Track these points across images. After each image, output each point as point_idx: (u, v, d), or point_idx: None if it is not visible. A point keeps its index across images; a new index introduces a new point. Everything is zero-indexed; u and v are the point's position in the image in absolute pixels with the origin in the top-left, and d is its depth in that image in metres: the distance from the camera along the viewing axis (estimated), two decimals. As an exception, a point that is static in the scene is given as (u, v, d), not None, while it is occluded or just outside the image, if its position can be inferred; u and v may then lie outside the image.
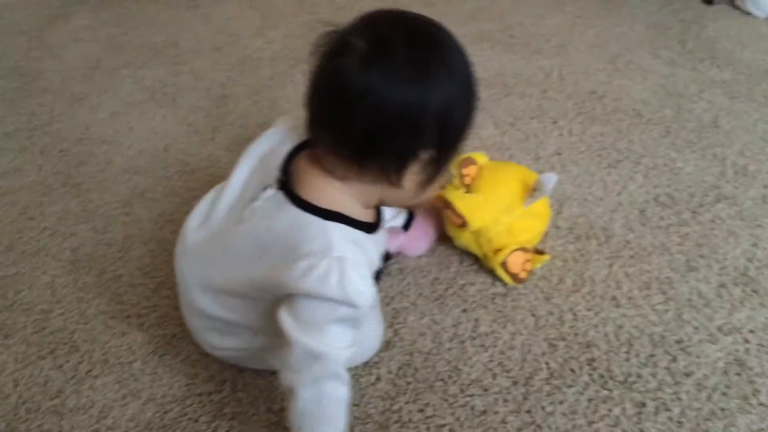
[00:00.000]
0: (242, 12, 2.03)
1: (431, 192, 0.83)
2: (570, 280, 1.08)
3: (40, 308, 1.10)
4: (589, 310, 1.03)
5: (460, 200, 1.04)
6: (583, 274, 1.09)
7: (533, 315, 1.03)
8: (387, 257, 1.09)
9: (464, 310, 1.04)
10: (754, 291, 1.04)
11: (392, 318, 1.04)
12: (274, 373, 0.96)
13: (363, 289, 0.74)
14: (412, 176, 0.77)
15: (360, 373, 0.96)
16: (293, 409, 0.78)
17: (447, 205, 1.05)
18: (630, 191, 1.26)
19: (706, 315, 1.01)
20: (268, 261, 0.77)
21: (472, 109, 0.79)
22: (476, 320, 1.03)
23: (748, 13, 1.82)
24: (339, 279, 0.72)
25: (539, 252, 1.11)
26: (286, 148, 0.83)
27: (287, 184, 0.79)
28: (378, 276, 0.85)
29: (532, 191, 1.05)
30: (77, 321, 1.07)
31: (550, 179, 1.04)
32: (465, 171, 1.10)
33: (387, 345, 1.00)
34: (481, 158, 1.14)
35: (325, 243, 0.74)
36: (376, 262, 0.83)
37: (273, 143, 0.86)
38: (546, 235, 1.17)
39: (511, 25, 1.88)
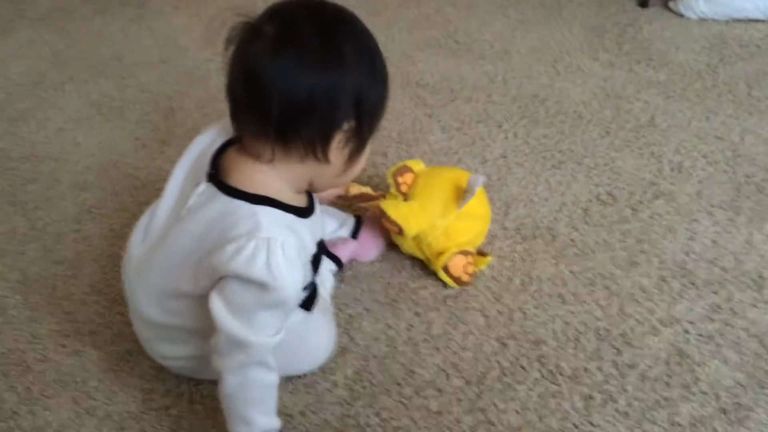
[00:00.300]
0: (188, 23, 2.03)
1: (358, 169, 0.85)
2: (518, 279, 1.12)
3: (-10, 330, 1.08)
4: (537, 308, 1.07)
5: (393, 209, 1.07)
6: (530, 273, 1.13)
7: (484, 315, 1.06)
8: (339, 266, 1.11)
9: (417, 314, 1.07)
10: (692, 283, 1.09)
11: (347, 324, 1.06)
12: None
13: (289, 271, 0.76)
14: (336, 151, 0.79)
15: (316, 380, 0.98)
16: (221, 392, 0.81)
17: (382, 214, 1.08)
18: (573, 191, 1.30)
19: (647, 308, 1.06)
20: (203, 249, 0.79)
21: (384, 81, 0.82)
22: (429, 323, 1.05)
23: (681, 15, 1.89)
24: (266, 260, 0.74)
25: (482, 254, 1.14)
26: (216, 145, 0.85)
27: (217, 176, 0.81)
28: (316, 263, 0.87)
29: (464, 193, 1.08)
30: (29, 341, 1.06)
31: (477, 181, 1.06)
32: (401, 179, 1.13)
33: (342, 351, 1.02)
34: (417, 165, 1.17)
35: (253, 225, 0.76)
36: (310, 248, 0.84)
37: (204, 145, 0.88)
38: (493, 236, 1.20)
39: (455, 31, 1.92)
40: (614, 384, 0.95)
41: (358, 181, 1.20)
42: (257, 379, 0.81)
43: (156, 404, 0.95)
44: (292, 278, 0.76)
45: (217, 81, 1.71)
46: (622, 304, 1.06)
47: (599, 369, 0.97)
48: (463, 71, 1.72)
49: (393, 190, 1.13)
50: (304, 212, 0.84)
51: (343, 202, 1.20)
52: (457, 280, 1.08)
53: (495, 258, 1.16)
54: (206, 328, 0.81)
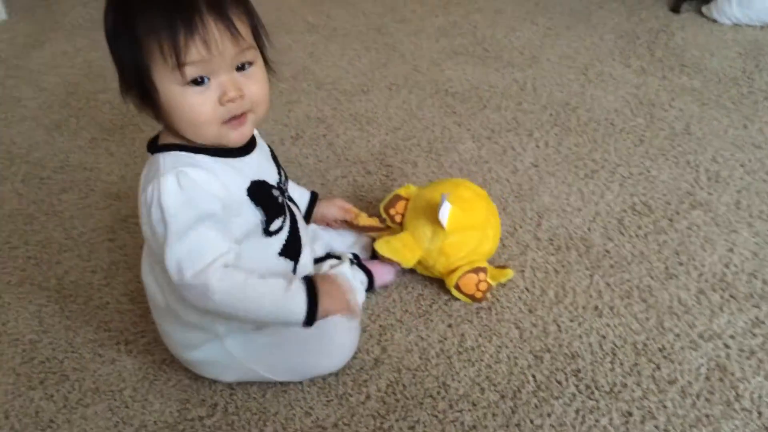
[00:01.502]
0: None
1: (180, 116, 0.80)
2: (552, 291, 1.11)
3: (29, 338, 1.09)
4: (572, 321, 1.05)
5: (385, 247, 1.07)
6: (565, 285, 1.11)
7: (518, 328, 1.05)
8: (370, 283, 1.11)
9: (449, 325, 1.06)
10: (732, 296, 1.07)
11: (379, 335, 1.05)
12: (264, 395, 0.97)
13: (180, 196, 0.78)
14: (132, 105, 0.82)
15: (349, 392, 0.97)
16: (234, 311, 0.83)
17: (378, 255, 1.08)
18: (607, 201, 1.28)
19: (687, 322, 1.04)
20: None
21: (123, 32, 0.78)
22: (462, 335, 1.04)
23: (714, 21, 1.86)
24: (154, 190, 0.79)
25: (501, 267, 1.12)
26: None
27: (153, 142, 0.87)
28: (267, 200, 0.88)
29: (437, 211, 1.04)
30: (66, 350, 1.07)
31: (443, 211, 1.02)
32: (393, 211, 1.13)
33: (375, 363, 1.01)
34: (409, 190, 1.16)
35: (155, 170, 0.81)
36: (235, 181, 0.85)
37: None
38: (526, 246, 1.19)
39: (483, 38, 1.91)
40: (653, 400, 0.93)
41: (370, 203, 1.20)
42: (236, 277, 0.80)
43: (191, 414, 0.96)
44: (184, 202, 0.79)
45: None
46: (661, 318, 1.04)
47: (637, 384, 0.95)
48: (492, 79, 1.71)
49: (388, 222, 1.14)
50: (222, 152, 0.85)
51: (356, 231, 1.17)
52: (471, 297, 1.07)
53: (528, 269, 1.15)
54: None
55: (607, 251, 1.17)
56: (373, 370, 1.00)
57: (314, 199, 1.11)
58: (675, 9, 1.93)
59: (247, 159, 0.88)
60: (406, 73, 1.78)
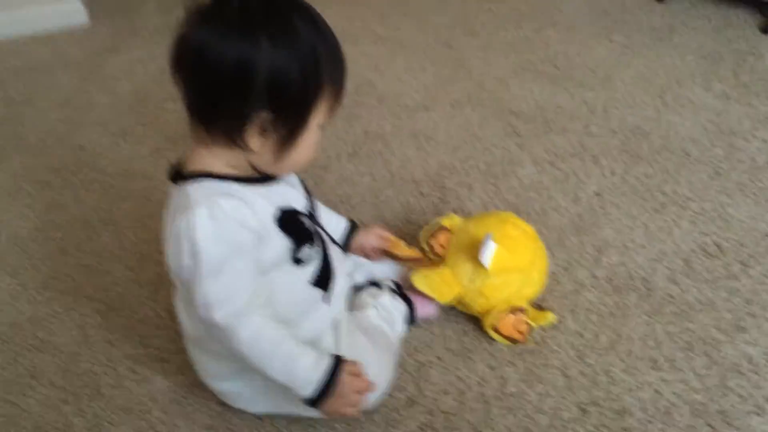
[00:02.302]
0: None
1: (299, 157, 0.81)
2: (606, 337, 1.03)
3: (70, 350, 1.10)
4: (625, 371, 0.97)
5: (422, 281, 1.02)
6: (620, 331, 1.04)
7: (564, 375, 0.98)
8: (411, 315, 1.06)
9: (491, 367, 1.00)
10: (808, 355, 0.97)
11: (415, 372, 1.01)
12: (291, 430, 0.94)
13: (214, 230, 0.75)
14: (256, 139, 0.76)
15: (379, 433, 0.93)
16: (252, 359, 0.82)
17: (414, 288, 1.03)
18: (675, 239, 1.19)
19: (753, 383, 0.94)
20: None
21: (312, 74, 0.75)
22: (503, 378, 0.98)
23: (811, 43, 1.72)
24: (184, 222, 0.75)
25: (541, 308, 1.06)
26: None
27: (176, 171, 0.83)
28: (298, 229, 0.85)
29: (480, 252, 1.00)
30: (104, 364, 1.08)
31: (486, 251, 0.97)
32: (434, 242, 1.08)
33: (409, 402, 0.96)
34: (452, 221, 1.10)
35: (185, 201, 0.77)
36: (265, 209, 0.82)
37: None
38: (581, 284, 1.12)
39: (555, 55, 1.83)
40: (709, 469, 0.85)
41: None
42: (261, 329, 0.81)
43: (216, 444, 0.94)
44: (217, 236, 0.76)
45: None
46: (724, 376, 0.95)
47: (692, 449, 0.87)
48: (560, 99, 1.64)
49: (429, 254, 1.08)
50: (252, 180, 0.82)
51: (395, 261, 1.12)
52: (511, 339, 1.01)
53: (581, 310, 1.07)
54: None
55: (671, 296, 1.08)
56: (405, 411, 0.96)
57: (353, 227, 1.07)
58: (766, 30, 1.79)
59: (274, 186, 0.86)
60: (471, 89, 1.72)
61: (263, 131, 0.76)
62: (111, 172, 1.55)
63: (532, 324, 1.02)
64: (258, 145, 0.77)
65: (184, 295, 0.87)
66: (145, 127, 1.71)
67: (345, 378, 0.83)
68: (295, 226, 0.86)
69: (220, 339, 0.80)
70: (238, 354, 0.81)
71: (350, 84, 1.77)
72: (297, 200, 0.90)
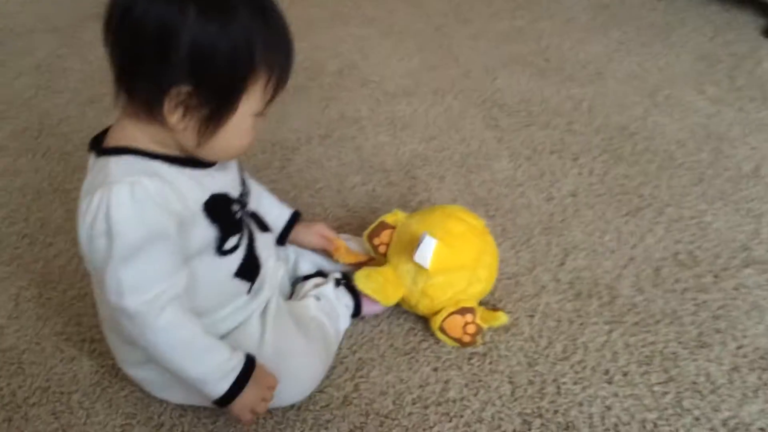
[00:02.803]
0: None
1: (227, 144, 0.75)
2: (560, 344, 0.97)
3: (-2, 323, 1.05)
4: (575, 383, 0.91)
5: (364, 282, 0.95)
6: (576, 339, 0.97)
7: (511, 382, 0.92)
8: (357, 309, 1.00)
9: (435, 369, 0.94)
10: (774, 378, 0.90)
11: (355, 370, 0.95)
12: (216, 422, 0.88)
13: (134, 212, 0.69)
14: (176, 117, 0.71)
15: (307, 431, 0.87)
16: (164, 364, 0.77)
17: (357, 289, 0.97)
18: (647, 245, 1.12)
19: (711, 403, 0.88)
20: None
21: (243, 58, 0.70)
22: (446, 382, 0.92)
23: (813, 50, 1.64)
24: (106, 208, 0.69)
25: (494, 309, 0.99)
26: None
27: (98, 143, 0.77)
28: (227, 212, 0.80)
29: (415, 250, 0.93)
30: (30, 341, 1.02)
31: (424, 250, 0.91)
32: (377, 240, 1.01)
33: (343, 401, 0.90)
34: (396, 217, 1.03)
35: (104, 176, 0.71)
36: (193, 193, 0.76)
37: None
38: (542, 287, 1.05)
39: (547, 48, 1.76)
40: (652, 494, 0.79)
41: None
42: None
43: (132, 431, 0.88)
44: (136, 218, 0.70)
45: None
46: (680, 394, 0.89)
47: (637, 472, 0.81)
48: (547, 93, 1.56)
49: (372, 253, 1.01)
50: (181, 161, 0.76)
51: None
52: (459, 341, 0.95)
53: (538, 314, 1.01)
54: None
55: (634, 305, 1.02)
56: (338, 410, 0.89)
57: (294, 220, 1.01)
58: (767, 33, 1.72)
59: (209, 171, 0.79)
60: (456, 78, 1.65)
61: (186, 108, 0.71)
62: (73, 141, 1.49)
63: (482, 325, 0.95)
64: (178, 121, 0.71)
65: (95, 278, 0.81)
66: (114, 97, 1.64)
67: (258, 374, 0.79)
68: (224, 215, 0.80)
69: (128, 327, 0.74)
70: (147, 345, 0.75)
71: (333, 65, 1.74)
72: (230, 186, 0.83)
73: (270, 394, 0.81)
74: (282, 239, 1.00)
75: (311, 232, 1.01)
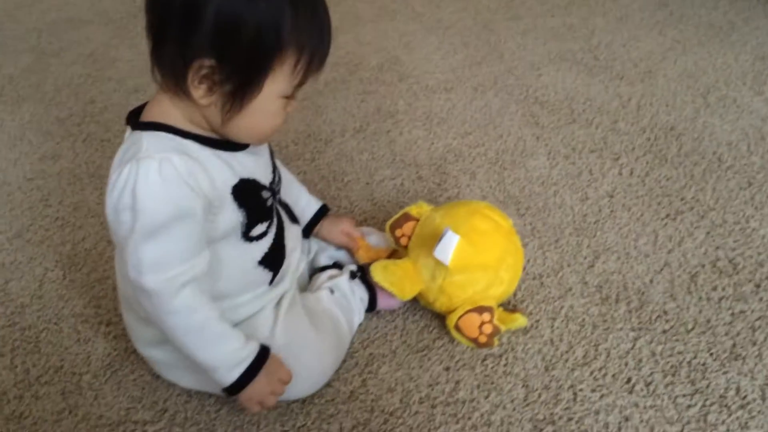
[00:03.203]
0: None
1: (255, 121, 0.74)
2: (581, 349, 0.91)
3: (21, 301, 1.07)
4: (593, 390, 0.86)
5: (381, 275, 0.91)
6: (598, 345, 0.92)
7: (525, 386, 0.87)
8: (372, 303, 0.97)
9: (447, 368, 0.90)
10: (814, 397, 0.83)
11: (365, 365, 0.92)
12: (219, 410, 0.87)
13: (160, 189, 0.69)
14: (201, 91, 0.70)
15: (309, 426, 0.85)
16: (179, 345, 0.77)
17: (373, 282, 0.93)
18: (684, 250, 1.06)
19: (739, 419, 0.81)
20: None
21: (270, 34, 0.68)
22: (457, 382, 0.89)
23: None
24: (133, 182, 0.68)
25: (515, 310, 0.95)
26: None
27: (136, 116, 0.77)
28: (257, 198, 0.79)
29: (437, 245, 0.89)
30: (50, 320, 1.03)
31: (444, 246, 0.87)
32: (399, 232, 0.97)
33: (349, 396, 0.88)
34: (420, 209, 0.99)
35: (136, 149, 0.70)
36: (222, 175, 0.75)
37: None
38: (567, 289, 1.00)
39: (598, 45, 1.69)
40: None
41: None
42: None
43: (137, 416, 0.88)
44: (162, 195, 0.69)
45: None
46: (706, 408, 0.83)
47: (652, 489, 0.75)
48: (593, 91, 1.50)
49: (393, 245, 0.98)
50: (214, 142, 0.75)
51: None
52: (474, 341, 0.90)
53: (561, 317, 0.96)
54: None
55: (665, 312, 0.96)
56: (343, 405, 0.87)
57: (321, 214, 0.99)
58: (838, 31, 1.60)
59: (240, 155, 0.78)
60: (498, 74, 1.61)
61: (211, 83, 0.69)
62: (113, 129, 1.52)
63: (500, 326, 0.91)
64: (202, 96, 0.70)
65: (118, 250, 0.81)
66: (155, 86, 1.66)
67: (270, 365, 0.78)
68: (254, 200, 0.79)
69: (145, 305, 0.74)
70: (163, 325, 0.74)
71: (374, 59, 1.72)
72: (262, 172, 0.82)
73: (282, 388, 0.80)
74: (307, 232, 0.98)
75: (337, 230, 1.00)
